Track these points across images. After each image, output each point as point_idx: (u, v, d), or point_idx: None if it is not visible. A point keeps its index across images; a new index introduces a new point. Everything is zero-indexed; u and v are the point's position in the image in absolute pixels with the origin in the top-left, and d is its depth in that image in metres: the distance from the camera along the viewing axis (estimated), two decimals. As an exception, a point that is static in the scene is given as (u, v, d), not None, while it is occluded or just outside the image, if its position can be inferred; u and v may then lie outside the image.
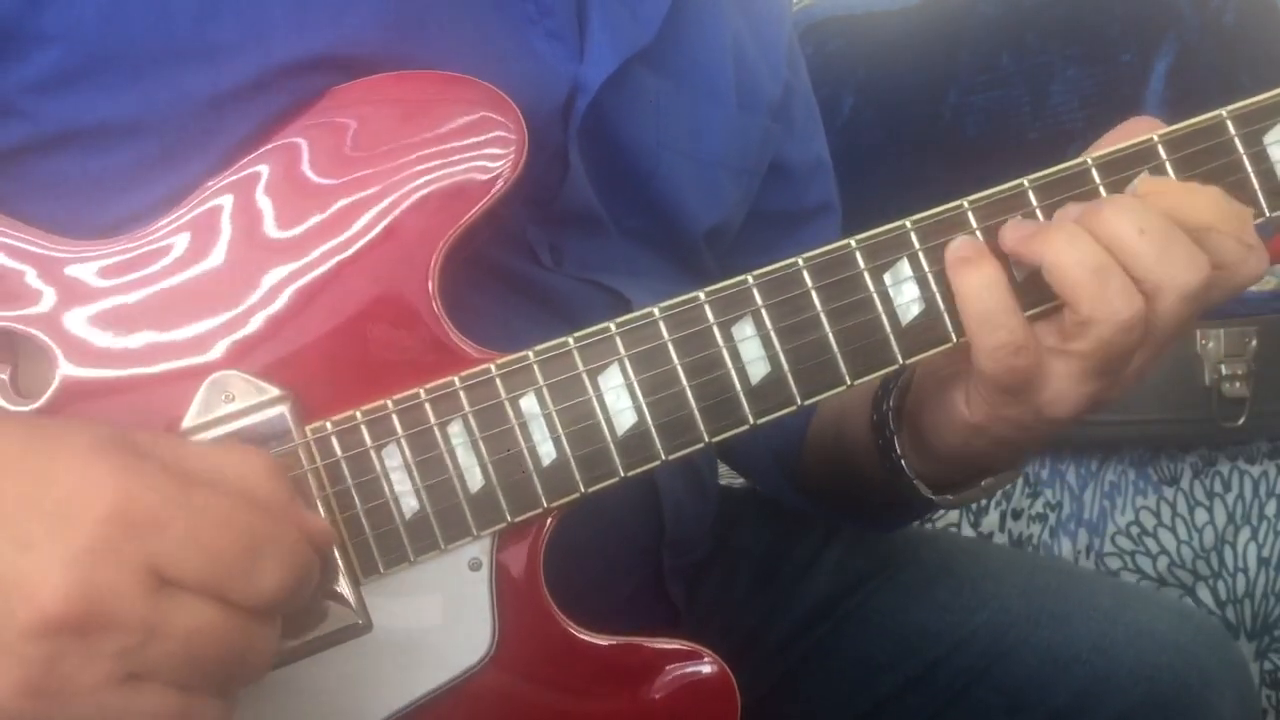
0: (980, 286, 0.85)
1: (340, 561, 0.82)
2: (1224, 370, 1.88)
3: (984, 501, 2.00)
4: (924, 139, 2.11)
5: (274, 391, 0.83)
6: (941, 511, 1.99)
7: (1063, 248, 0.84)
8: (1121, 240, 0.84)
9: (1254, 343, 1.89)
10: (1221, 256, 0.86)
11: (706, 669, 0.89)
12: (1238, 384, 1.88)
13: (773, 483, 1.29)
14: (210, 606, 0.67)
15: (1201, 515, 1.99)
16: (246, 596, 0.68)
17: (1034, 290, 0.87)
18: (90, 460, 0.67)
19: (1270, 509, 1.99)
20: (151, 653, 0.66)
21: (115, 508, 0.66)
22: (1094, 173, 0.89)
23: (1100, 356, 0.85)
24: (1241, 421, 1.90)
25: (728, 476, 1.34)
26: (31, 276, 0.84)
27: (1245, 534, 2.00)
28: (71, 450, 0.68)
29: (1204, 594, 2.00)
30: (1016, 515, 2.01)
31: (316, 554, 0.73)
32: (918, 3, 2.10)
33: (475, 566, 0.86)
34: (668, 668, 0.89)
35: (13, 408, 0.83)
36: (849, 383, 0.87)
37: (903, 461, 1.02)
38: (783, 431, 1.21)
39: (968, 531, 2.01)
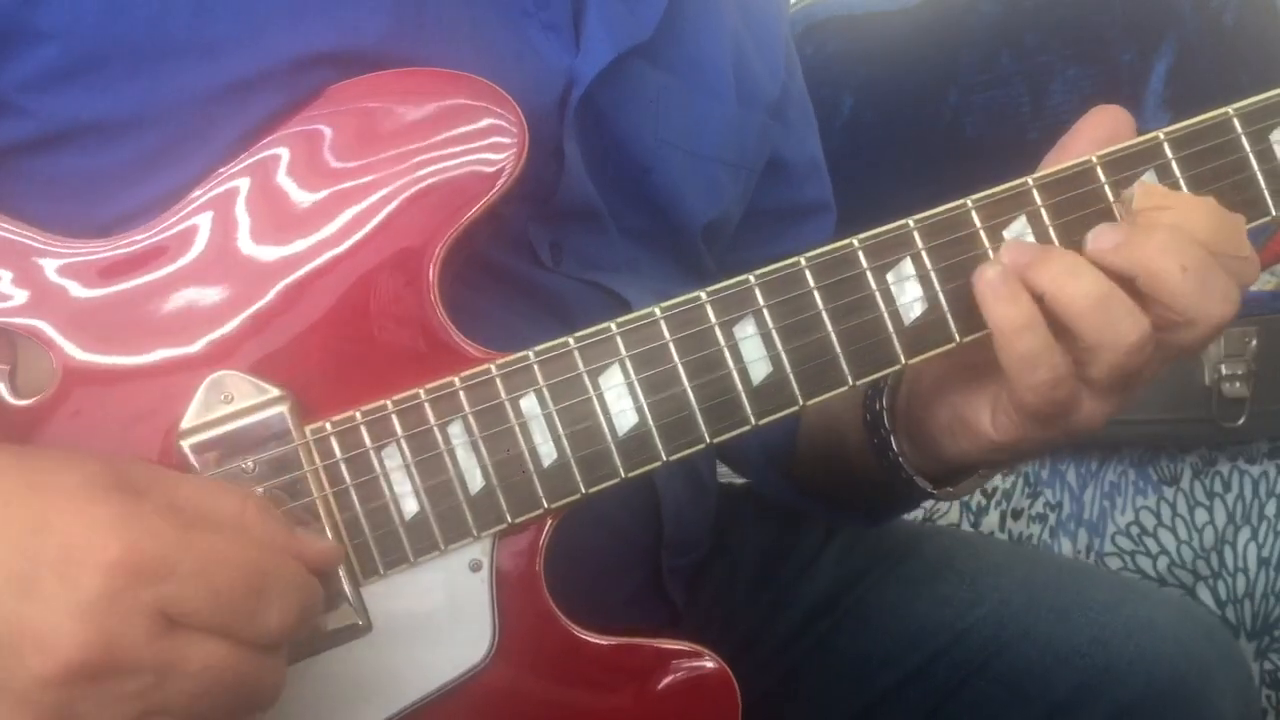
0: (1021, 328, 0.85)
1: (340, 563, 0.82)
2: (1224, 370, 1.88)
3: (984, 501, 2.01)
4: (924, 139, 2.10)
5: (273, 391, 0.83)
6: (940, 510, 1.99)
7: (1064, 281, 0.84)
8: (1163, 277, 0.84)
9: (1254, 343, 1.88)
10: None
11: (708, 668, 0.89)
12: (1238, 384, 1.88)
13: (766, 479, 1.29)
14: (220, 645, 0.69)
15: (1201, 515, 1.99)
16: (254, 634, 0.70)
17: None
18: (87, 505, 0.68)
19: (1270, 509, 1.99)
20: (166, 692, 0.68)
21: (121, 555, 0.67)
22: (1099, 171, 0.89)
23: (1116, 377, 0.86)
24: (1241, 421, 1.89)
25: (727, 476, 1.34)
26: (30, 275, 0.84)
27: (1245, 534, 2.00)
28: (66, 494, 0.69)
29: (1204, 594, 2.00)
30: (1016, 515, 2.01)
31: (319, 580, 0.75)
32: (917, 3, 2.10)
33: (475, 567, 0.86)
34: (669, 667, 0.89)
35: (15, 400, 0.83)
36: (851, 383, 0.87)
37: (901, 459, 1.02)
38: (774, 428, 1.21)
39: (968, 530, 2.01)
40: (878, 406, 1.02)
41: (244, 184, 0.86)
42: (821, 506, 1.27)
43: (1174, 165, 0.89)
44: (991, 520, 2.01)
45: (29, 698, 0.66)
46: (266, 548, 0.72)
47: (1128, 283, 0.85)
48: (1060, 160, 0.90)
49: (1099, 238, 0.87)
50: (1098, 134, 0.90)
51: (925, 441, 0.99)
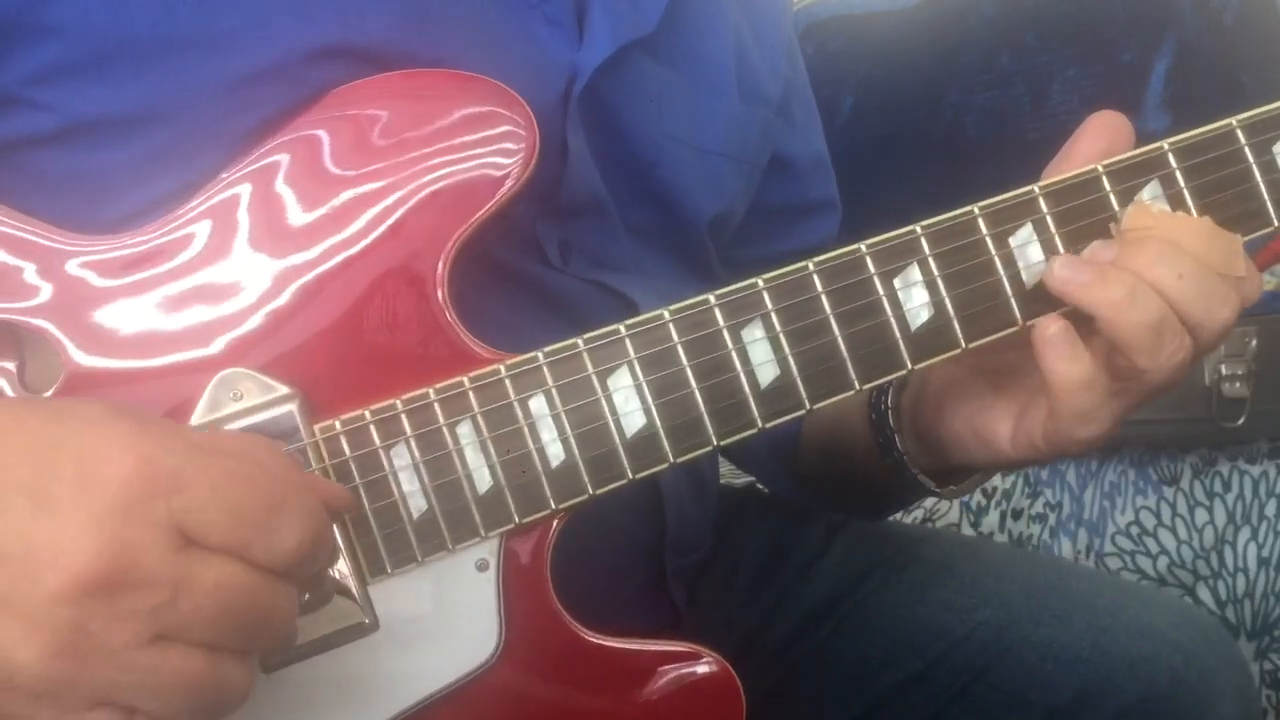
0: (1081, 385, 0.87)
1: (348, 561, 0.82)
2: (1224, 370, 1.88)
3: (984, 501, 2.01)
4: (924, 139, 2.10)
5: (282, 389, 0.83)
6: (940, 511, 1.99)
7: (1124, 305, 0.85)
8: (1161, 285, 0.86)
9: (1254, 343, 1.89)
10: None
11: (712, 671, 0.89)
12: (1238, 384, 1.88)
13: (769, 474, 1.29)
14: (233, 565, 0.68)
15: (1201, 515, 1.99)
16: (268, 555, 0.69)
17: (1039, 301, 0.89)
18: (105, 426, 0.68)
19: (1270, 509, 2.00)
20: (178, 611, 0.67)
21: (137, 468, 0.67)
22: (1104, 180, 0.89)
23: (1148, 394, 0.88)
24: (1241, 421, 1.90)
25: (727, 476, 1.34)
26: (39, 271, 0.84)
27: (1245, 534, 2.00)
28: (83, 418, 0.69)
29: (1204, 594, 2.00)
30: (1016, 515, 2.02)
31: (332, 518, 0.75)
32: (917, 3, 2.09)
33: (482, 567, 0.86)
34: (673, 669, 0.89)
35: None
36: (858, 387, 0.88)
37: (905, 458, 1.02)
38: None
39: (968, 531, 2.02)
40: (883, 406, 1.03)
41: (254, 183, 0.86)
42: (826, 502, 1.27)
43: (1178, 175, 0.89)
44: (991, 520, 2.02)
45: (41, 616, 0.65)
46: (281, 475, 0.71)
47: None
48: (1062, 169, 0.91)
49: (1094, 254, 0.88)
50: (1098, 143, 0.91)
51: (933, 444, 1.00)
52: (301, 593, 0.75)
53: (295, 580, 0.72)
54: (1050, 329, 0.87)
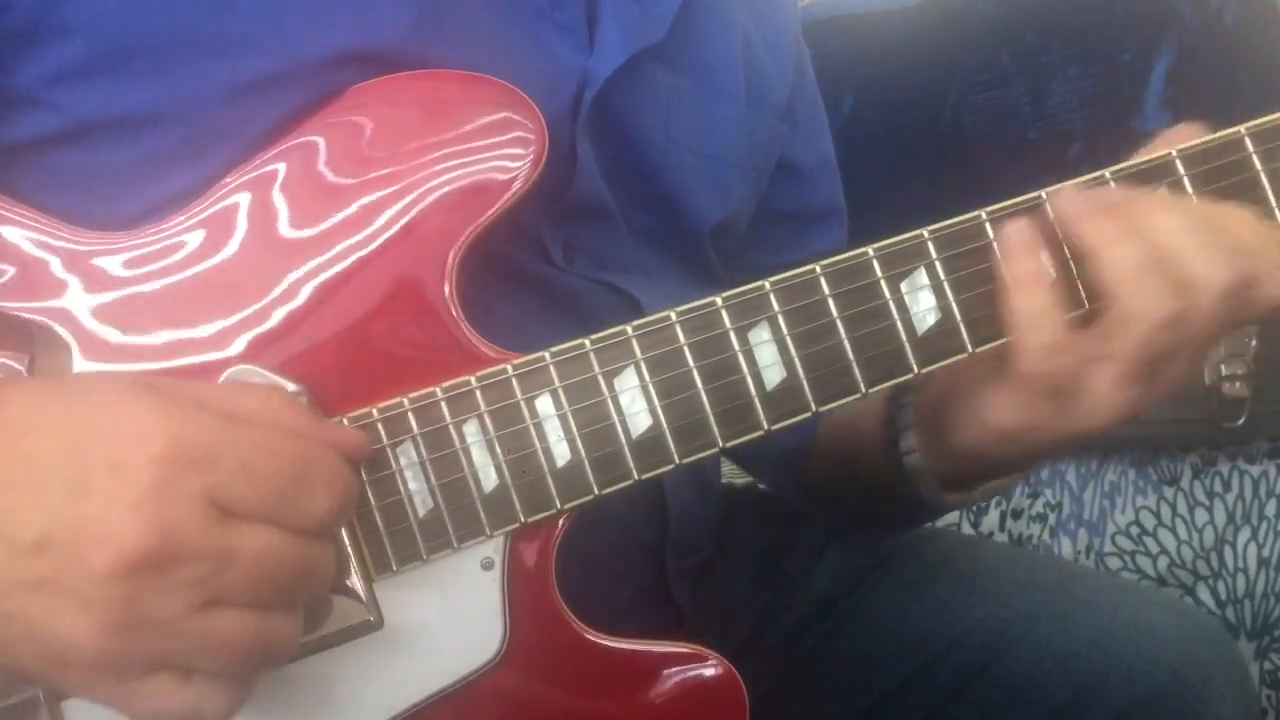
0: (1030, 282, 0.86)
1: (354, 558, 0.82)
2: (1224, 370, 1.88)
3: (984, 501, 2.01)
4: (924, 139, 2.10)
5: (290, 387, 0.83)
6: (943, 511, 1.99)
7: (1115, 239, 0.85)
8: (1165, 234, 0.85)
9: (1254, 343, 1.89)
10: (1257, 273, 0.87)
11: (716, 672, 0.89)
12: (1238, 384, 1.88)
13: (781, 482, 1.29)
14: (271, 532, 0.71)
15: (1201, 515, 1.99)
16: (303, 521, 0.72)
17: (1067, 294, 0.88)
18: (127, 406, 0.70)
19: (1270, 509, 1.99)
20: (225, 578, 0.69)
21: (167, 448, 0.69)
22: (1113, 186, 0.89)
23: (1138, 359, 0.86)
24: (1241, 421, 1.90)
25: (728, 476, 1.34)
26: (51, 268, 0.85)
27: (1245, 534, 2.00)
28: (104, 400, 0.71)
29: (1204, 594, 2.00)
30: (1016, 515, 2.02)
31: (355, 469, 0.78)
32: (917, 3, 2.09)
33: (488, 566, 0.86)
34: (677, 670, 0.89)
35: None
36: (864, 390, 0.88)
37: (907, 458, 1.02)
38: (795, 431, 1.22)
39: (967, 531, 2.02)
40: (903, 400, 1.02)
41: (263, 183, 0.86)
42: (832, 510, 1.27)
43: (1186, 182, 0.90)
44: (991, 520, 2.02)
45: (95, 595, 0.67)
46: (301, 437, 0.74)
47: None
48: None
49: (1099, 194, 0.88)
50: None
51: (938, 437, 0.99)
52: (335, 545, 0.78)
53: (329, 537, 0.76)
54: (1011, 225, 0.87)
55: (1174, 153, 0.90)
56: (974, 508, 2.00)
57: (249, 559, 0.70)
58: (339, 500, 0.74)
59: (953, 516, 2.01)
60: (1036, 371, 0.87)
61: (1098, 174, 0.89)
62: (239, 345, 0.84)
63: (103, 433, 0.69)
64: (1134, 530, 2.01)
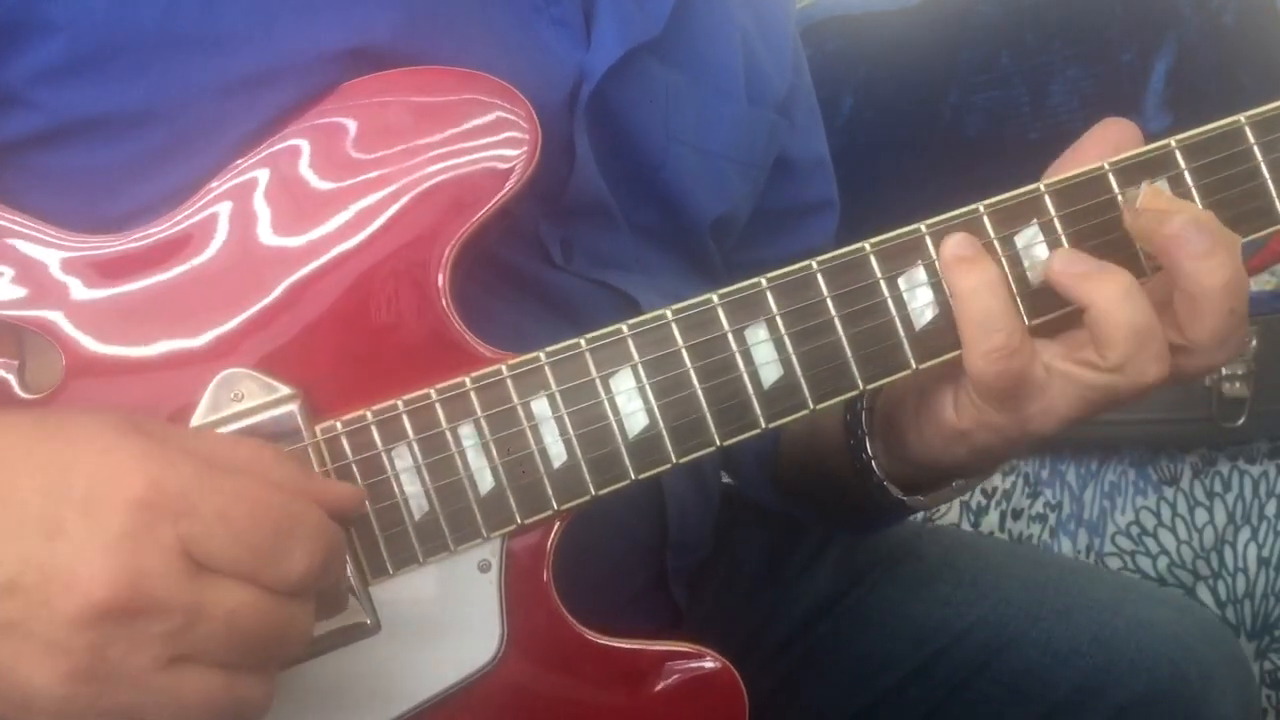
0: (980, 285, 0.85)
1: (350, 562, 0.82)
2: (1224, 370, 1.88)
3: (984, 501, 2.01)
4: (924, 139, 2.10)
5: (283, 390, 0.83)
6: (940, 511, 1.99)
7: (1117, 302, 0.84)
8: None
9: (1254, 343, 1.89)
10: None
11: (715, 670, 0.89)
12: (1238, 384, 1.88)
13: (756, 484, 1.29)
14: (246, 590, 0.69)
15: (1201, 515, 2.00)
16: (279, 579, 0.70)
17: (1044, 300, 0.87)
18: (109, 447, 0.68)
19: (1270, 509, 2.00)
20: (196, 634, 0.67)
21: (145, 492, 0.67)
22: (1111, 179, 0.88)
23: (1106, 401, 0.86)
24: (1241, 421, 1.90)
25: (727, 477, 1.34)
26: (39, 270, 0.84)
27: (1245, 534, 2.00)
28: (87, 439, 0.69)
29: (1204, 594, 2.01)
30: (1016, 515, 2.02)
31: (343, 526, 0.75)
32: (918, 3, 2.10)
33: (485, 568, 0.86)
34: (676, 669, 0.89)
35: (24, 395, 0.83)
36: (861, 387, 0.87)
37: (873, 463, 1.01)
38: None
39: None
40: (859, 406, 1.02)
41: (255, 181, 0.86)
42: (805, 511, 1.27)
43: (1186, 174, 0.89)
44: (991, 520, 2.02)
45: (60, 641, 0.65)
46: (287, 491, 0.71)
47: None
48: (1064, 169, 0.90)
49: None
50: (1104, 147, 0.90)
51: (896, 440, 0.98)
52: (315, 606, 0.75)
53: (309, 597, 0.73)
54: (950, 239, 0.86)
55: (1173, 143, 0.89)
56: (974, 507, 2.00)
57: (220, 617, 0.68)
58: (319, 559, 0.71)
59: (953, 516, 2.01)
60: (986, 373, 0.86)
61: (1096, 165, 0.88)
62: (230, 347, 0.84)
63: (82, 471, 0.67)
64: (1134, 530, 2.01)
